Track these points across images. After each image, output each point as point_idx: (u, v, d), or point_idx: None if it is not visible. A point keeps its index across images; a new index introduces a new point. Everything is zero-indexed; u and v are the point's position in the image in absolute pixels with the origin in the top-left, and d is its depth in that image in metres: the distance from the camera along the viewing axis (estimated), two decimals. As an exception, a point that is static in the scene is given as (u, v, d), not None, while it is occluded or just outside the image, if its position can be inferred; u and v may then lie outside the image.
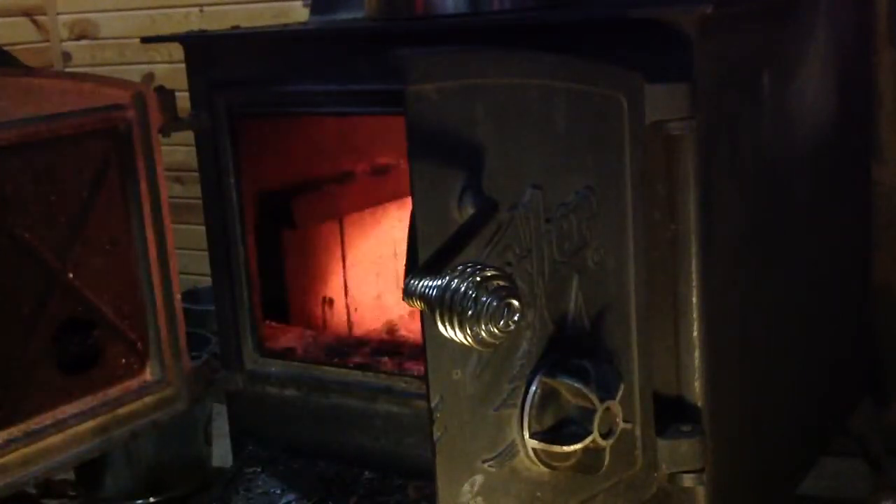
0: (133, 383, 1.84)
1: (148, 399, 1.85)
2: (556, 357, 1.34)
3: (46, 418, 1.73)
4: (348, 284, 2.14)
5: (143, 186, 1.79)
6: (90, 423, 1.77)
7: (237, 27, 2.22)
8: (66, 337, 1.77)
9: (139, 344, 1.84)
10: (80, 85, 1.75)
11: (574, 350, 1.36)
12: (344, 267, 2.13)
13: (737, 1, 1.56)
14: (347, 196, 2.12)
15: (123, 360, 1.83)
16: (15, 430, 1.69)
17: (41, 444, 1.71)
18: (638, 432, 1.45)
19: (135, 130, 1.78)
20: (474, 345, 1.12)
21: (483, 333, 1.11)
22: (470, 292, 1.09)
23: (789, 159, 1.78)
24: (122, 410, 1.81)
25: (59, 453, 1.74)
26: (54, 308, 1.74)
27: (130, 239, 1.80)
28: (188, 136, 1.90)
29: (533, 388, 1.32)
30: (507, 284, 1.13)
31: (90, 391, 1.79)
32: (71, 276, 1.75)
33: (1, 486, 1.66)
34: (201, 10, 3.17)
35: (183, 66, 1.89)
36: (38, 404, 1.72)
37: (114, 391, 1.81)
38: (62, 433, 1.74)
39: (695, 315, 1.51)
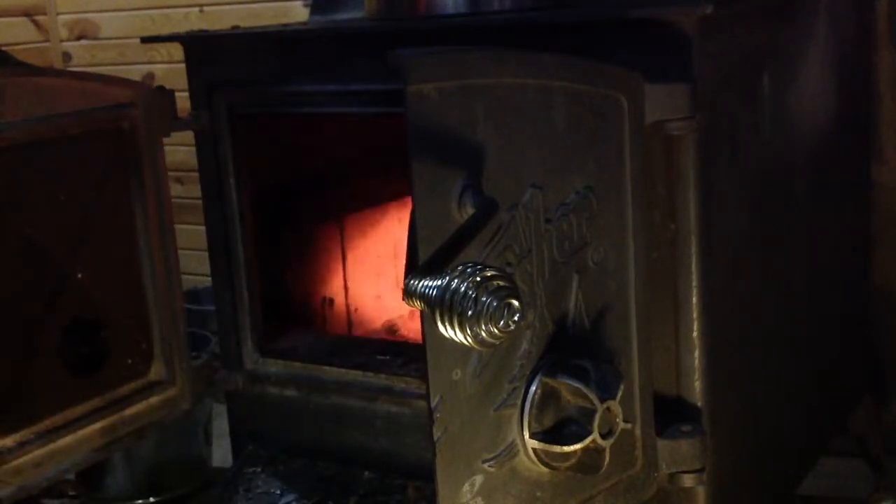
0: (139, 383, 1.84)
1: (153, 399, 1.85)
2: (556, 357, 1.34)
3: (57, 420, 1.72)
4: (348, 284, 2.14)
5: (148, 186, 1.79)
6: (98, 424, 1.77)
7: (237, 27, 2.22)
8: (74, 338, 1.76)
9: (144, 344, 1.83)
10: (85, 84, 1.75)
11: (574, 350, 1.36)
12: (344, 267, 2.13)
13: (737, 1, 1.56)
14: (348, 196, 2.12)
15: (129, 361, 1.83)
16: (27, 433, 1.68)
17: (53, 446, 1.71)
18: (638, 432, 1.45)
19: (139, 130, 1.77)
20: (474, 345, 1.12)
21: (483, 333, 1.11)
22: (470, 292, 1.09)
23: (789, 159, 1.78)
24: (128, 411, 1.81)
25: (70, 455, 1.73)
26: (63, 308, 1.74)
27: (135, 238, 1.80)
28: (188, 136, 1.91)
29: (533, 388, 1.32)
30: (507, 284, 1.13)
31: (98, 392, 1.78)
32: (80, 276, 1.75)
33: (15, 490, 1.66)
34: (201, 10, 3.17)
35: (183, 66, 1.89)
36: (48, 406, 1.72)
37: (120, 392, 1.81)
38: (72, 434, 1.74)
39: (695, 315, 1.51)
